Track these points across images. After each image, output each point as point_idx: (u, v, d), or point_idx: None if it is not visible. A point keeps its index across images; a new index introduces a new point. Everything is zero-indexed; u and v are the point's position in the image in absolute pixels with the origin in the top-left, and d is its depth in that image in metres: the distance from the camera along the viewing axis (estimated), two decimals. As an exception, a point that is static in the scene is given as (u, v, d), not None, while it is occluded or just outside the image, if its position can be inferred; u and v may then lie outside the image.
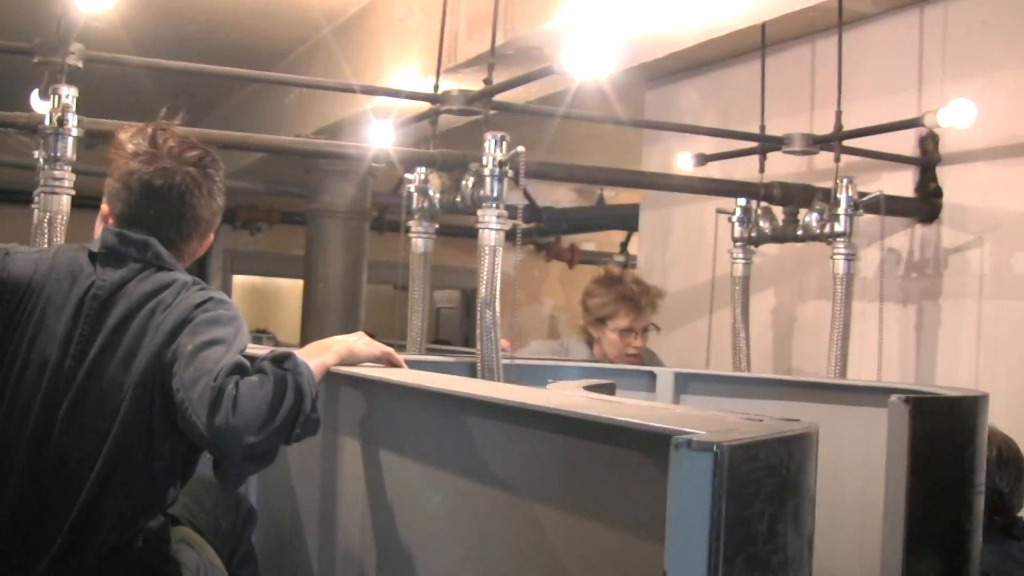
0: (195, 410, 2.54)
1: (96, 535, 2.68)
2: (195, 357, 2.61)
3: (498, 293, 4.06)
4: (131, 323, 2.74)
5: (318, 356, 2.86)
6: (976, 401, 3.25)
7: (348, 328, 7.15)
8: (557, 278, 12.63)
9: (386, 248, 6.80)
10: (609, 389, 3.19)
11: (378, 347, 3.06)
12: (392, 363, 3.08)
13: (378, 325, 8.66)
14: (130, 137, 2.95)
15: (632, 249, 10.58)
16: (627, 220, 9.70)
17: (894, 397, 2.93)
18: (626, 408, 2.09)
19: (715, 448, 1.55)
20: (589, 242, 12.33)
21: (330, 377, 3.12)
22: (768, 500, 1.66)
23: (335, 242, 7.38)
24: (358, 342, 3.02)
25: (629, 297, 5.34)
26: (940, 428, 3.08)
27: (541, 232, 10.95)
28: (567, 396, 2.37)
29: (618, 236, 11.55)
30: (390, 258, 5.22)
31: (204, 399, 2.53)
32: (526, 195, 4.75)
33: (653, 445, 1.70)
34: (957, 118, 4.87)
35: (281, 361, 2.61)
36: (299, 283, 8.05)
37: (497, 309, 4.05)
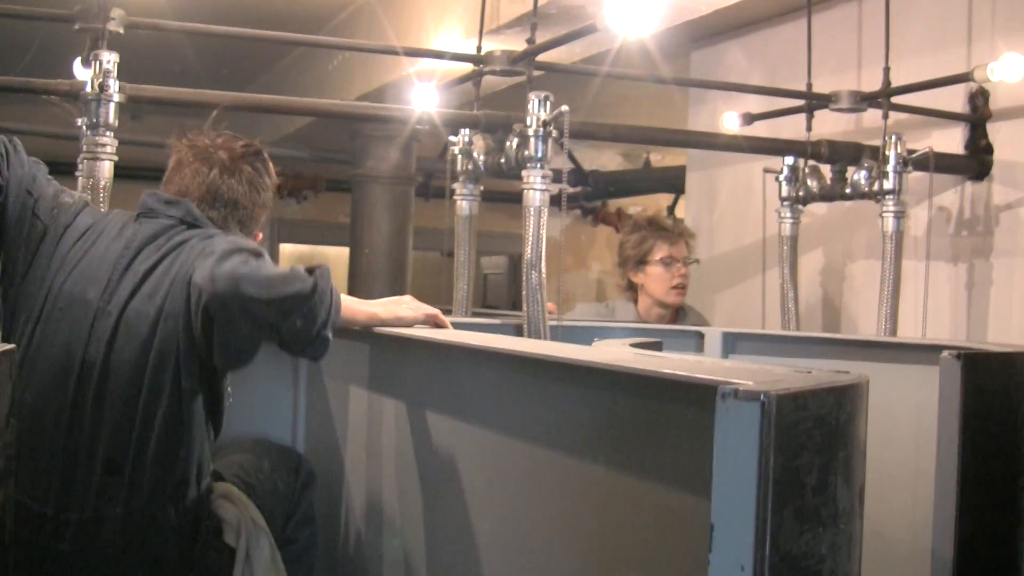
0: (204, 266, 2.72)
1: (135, 481, 2.73)
2: (215, 259, 2.73)
3: (544, 254, 4.03)
4: (159, 265, 2.88)
5: (366, 304, 2.94)
6: (1029, 357, 3.21)
7: (395, 294, 7.19)
8: (604, 242, 12.60)
9: (432, 215, 6.80)
10: (656, 347, 3.17)
11: (424, 309, 3.08)
12: (438, 324, 3.09)
13: (424, 291, 8.62)
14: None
15: (679, 212, 10.54)
16: (674, 183, 9.66)
17: (946, 353, 2.89)
18: (672, 362, 2.06)
19: (763, 397, 1.52)
20: (636, 206, 12.28)
21: (374, 337, 3.11)
22: (817, 451, 1.63)
23: (380, 208, 7.38)
24: (404, 307, 3.05)
25: (662, 227, 5.44)
26: (993, 384, 3.04)
27: (587, 197, 10.91)
28: (613, 352, 2.35)
29: (665, 200, 11.50)
30: (436, 225, 5.21)
31: (215, 258, 2.70)
32: (572, 159, 4.73)
33: (700, 397, 1.67)
34: (1008, 72, 4.80)
35: (312, 268, 2.75)
36: (346, 251, 8.05)
37: (543, 270, 4.02)
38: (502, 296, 13.44)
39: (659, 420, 2.00)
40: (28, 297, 2.91)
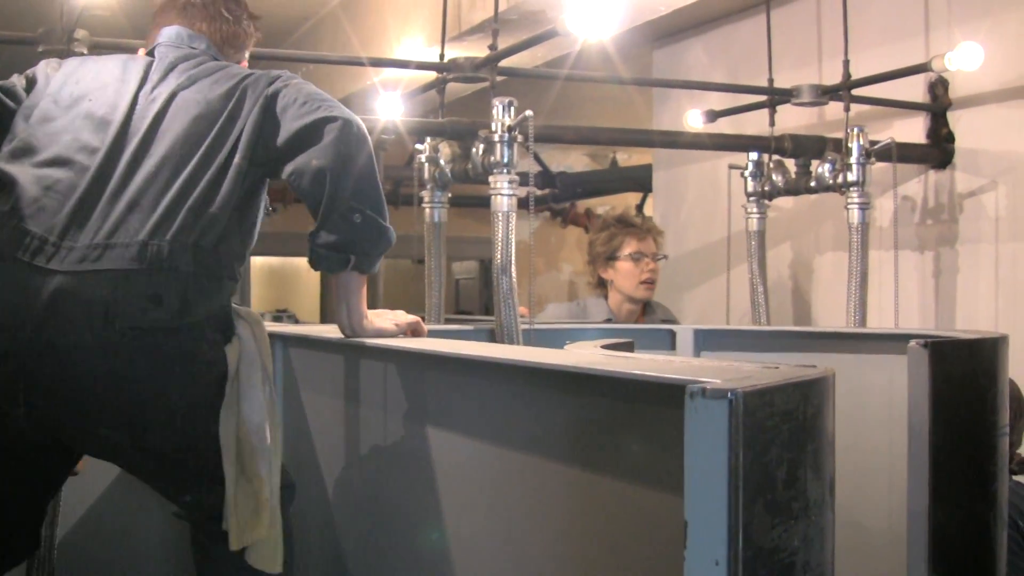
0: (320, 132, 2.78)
1: (160, 222, 2.69)
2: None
3: (513, 259, 4.06)
4: (212, 74, 2.96)
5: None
6: (996, 342, 3.24)
7: (368, 305, 7.18)
8: (575, 243, 12.63)
9: (402, 222, 6.80)
10: (627, 348, 3.19)
11: (403, 319, 3.10)
12: (417, 332, 3.11)
13: (397, 300, 8.63)
14: None
15: (648, 210, 10.58)
16: (641, 182, 9.69)
17: (913, 342, 2.92)
18: (642, 362, 2.09)
19: (730, 395, 1.55)
20: (604, 206, 12.31)
21: (348, 348, 3.13)
22: (786, 445, 1.66)
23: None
24: (387, 320, 3.07)
25: (630, 223, 5.52)
26: (961, 371, 3.08)
27: (556, 199, 10.93)
28: (583, 355, 2.37)
29: (633, 199, 11.53)
30: (406, 231, 5.22)
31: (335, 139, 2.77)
32: (539, 161, 4.76)
33: (670, 396, 1.70)
34: (965, 61, 4.85)
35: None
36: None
37: (513, 275, 4.04)
38: (474, 301, 13.47)
39: (631, 420, 2.02)
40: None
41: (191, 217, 2.69)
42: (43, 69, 3.00)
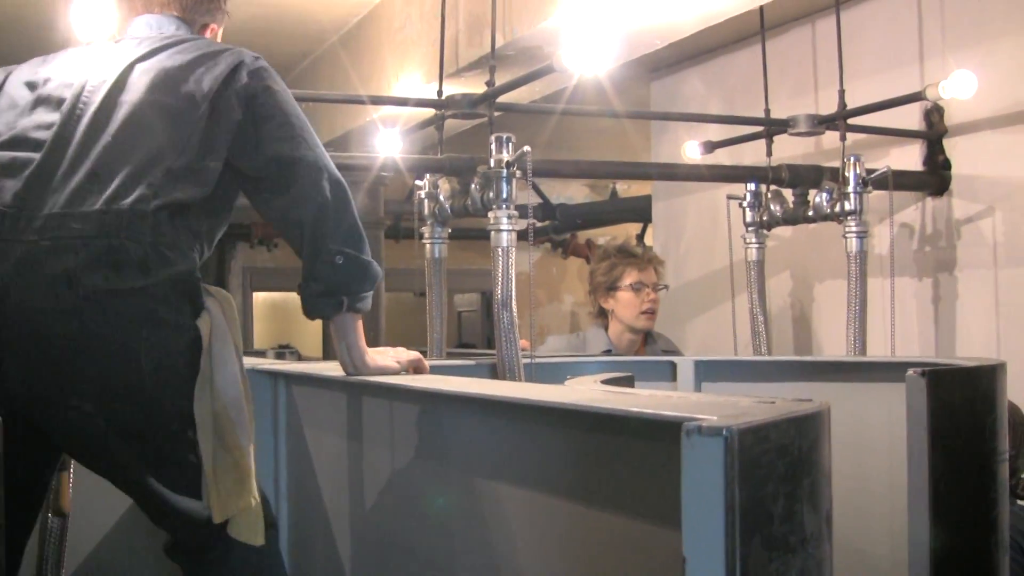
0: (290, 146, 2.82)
1: (121, 187, 2.69)
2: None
3: (514, 294, 4.08)
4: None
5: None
6: (994, 369, 3.26)
7: (369, 340, 7.20)
8: (576, 274, 12.65)
9: (403, 255, 6.83)
10: (627, 381, 3.22)
11: (405, 356, 3.13)
12: (418, 369, 3.14)
13: (399, 334, 8.67)
14: None
15: (648, 240, 10.61)
16: (641, 212, 9.72)
17: (911, 371, 2.94)
18: (640, 399, 2.11)
19: (725, 432, 1.57)
20: (605, 236, 12.34)
21: (351, 387, 3.15)
22: (782, 480, 1.68)
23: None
24: (389, 358, 3.09)
25: (631, 253, 5.53)
26: (959, 399, 3.10)
27: (556, 230, 10.97)
28: (582, 391, 2.40)
29: (634, 228, 11.56)
30: (407, 265, 5.25)
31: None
32: (539, 193, 4.79)
33: (667, 432, 1.72)
34: (959, 89, 4.89)
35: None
36: (282, 295, 8.05)
37: (514, 310, 4.06)
38: (477, 333, 13.47)
39: (631, 455, 2.04)
40: None
41: (149, 186, 2.69)
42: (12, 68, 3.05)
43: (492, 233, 4.12)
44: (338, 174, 2.84)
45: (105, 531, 3.68)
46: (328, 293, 2.82)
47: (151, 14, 3.11)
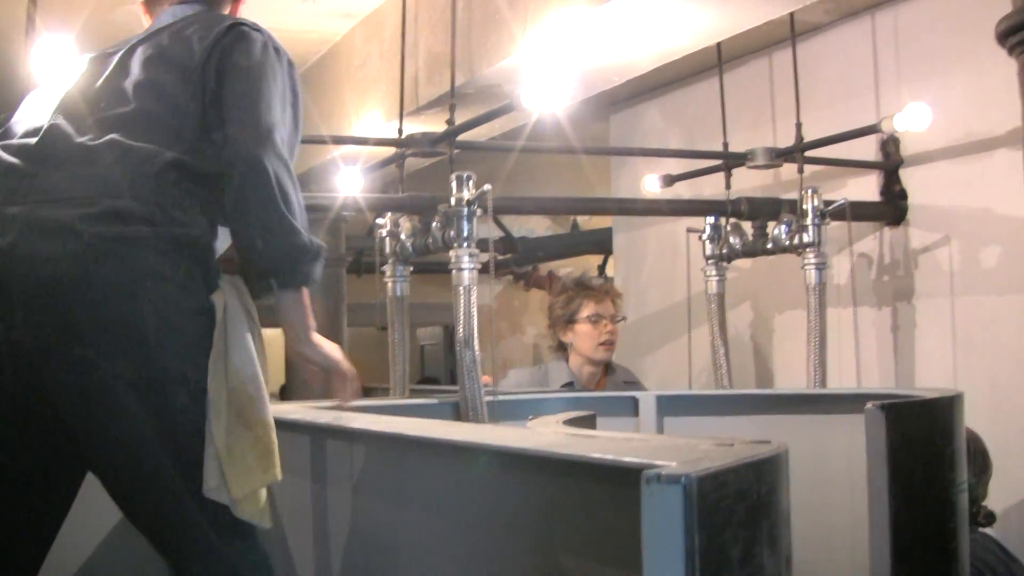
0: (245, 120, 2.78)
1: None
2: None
3: (476, 332, 4.09)
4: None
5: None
6: (951, 401, 3.30)
7: (331, 378, 7.18)
8: (538, 306, 12.63)
9: (365, 290, 6.83)
10: (589, 421, 3.23)
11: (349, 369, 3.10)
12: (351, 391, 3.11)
13: (362, 368, 8.64)
14: None
15: (609, 271, 10.63)
16: (602, 244, 9.74)
17: (869, 405, 2.97)
18: (600, 443, 2.13)
19: (683, 480, 1.59)
20: (566, 268, 12.34)
21: (315, 429, 3.16)
22: (741, 525, 1.70)
23: (313, 291, 7.41)
24: (337, 351, 3.05)
25: (588, 286, 5.60)
26: (917, 431, 3.12)
27: (518, 262, 10.96)
28: (543, 435, 2.41)
29: (595, 259, 11.59)
30: (369, 300, 5.26)
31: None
32: (501, 226, 4.81)
33: (628, 477, 1.74)
34: (913, 122, 4.95)
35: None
36: (280, 331, 8.02)
37: (476, 348, 4.08)
38: (440, 366, 13.46)
39: (592, 500, 2.06)
40: None
41: (152, 153, 2.73)
42: None
43: (453, 272, 4.13)
44: (279, 152, 2.76)
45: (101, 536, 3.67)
46: (260, 276, 2.80)
47: (175, 5, 3.12)
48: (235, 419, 2.72)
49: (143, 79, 2.86)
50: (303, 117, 3.02)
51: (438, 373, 13.10)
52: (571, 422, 2.92)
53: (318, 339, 2.96)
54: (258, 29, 2.95)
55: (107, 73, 2.91)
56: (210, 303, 2.73)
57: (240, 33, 2.92)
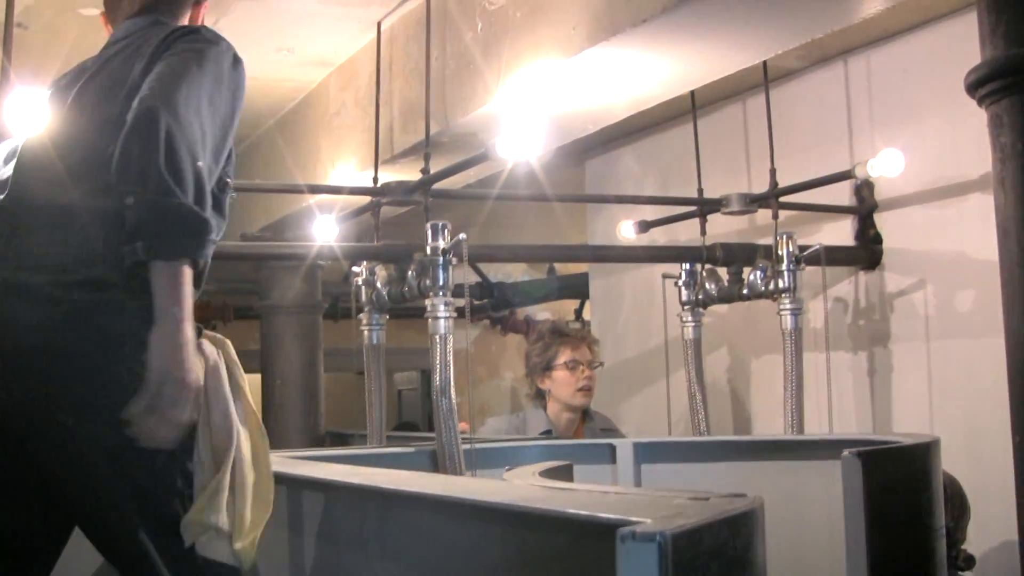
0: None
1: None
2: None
3: (452, 381, 4.09)
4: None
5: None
6: (927, 447, 3.31)
7: (309, 424, 7.19)
8: (515, 350, 12.64)
9: (342, 335, 6.84)
10: (566, 471, 3.23)
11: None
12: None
13: (340, 413, 8.66)
14: None
15: (586, 314, 10.63)
16: (579, 289, 9.76)
17: (846, 452, 2.98)
18: (577, 497, 2.13)
19: (659, 538, 1.59)
20: (544, 312, 12.35)
21: (291, 481, 3.15)
22: (717, 581, 1.71)
23: (289, 339, 7.40)
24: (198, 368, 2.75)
25: (564, 333, 5.60)
26: (894, 478, 3.14)
27: (494, 307, 10.97)
28: (522, 489, 2.41)
29: (572, 303, 11.59)
30: (346, 344, 5.26)
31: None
32: (477, 271, 4.82)
33: (605, 531, 1.74)
34: (887, 167, 4.97)
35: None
36: (258, 377, 8.02)
37: (453, 396, 4.08)
38: (417, 411, 13.44)
39: (569, 554, 2.06)
40: None
41: (118, 214, 2.58)
42: None
43: (430, 320, 4.13)
44: (180, 116, 2.56)
45: None
46: (128, 239, 2.53)
47: (130, 19, 3.03)
48: (222, 475, 2.71)
49: (98, 120, 2.77)
50: (235, 124, 2.84)
51: (416, 418, 13.08)
52: (548, 473, 2.92)
53: (187, 340, 2.56)
54: (209, 32, 2.87)
55: (65, 113, 2.84)
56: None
57: (183, 31, 2.85)
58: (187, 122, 2.56)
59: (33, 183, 2.77)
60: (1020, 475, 2.75)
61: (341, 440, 7.02)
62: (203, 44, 2.78)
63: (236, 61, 2.83)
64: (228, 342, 2.85)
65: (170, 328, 2.51)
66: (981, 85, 2.54)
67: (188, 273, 2.52)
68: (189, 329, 2.53)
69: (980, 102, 2.58)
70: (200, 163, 2.56)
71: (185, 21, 3.07)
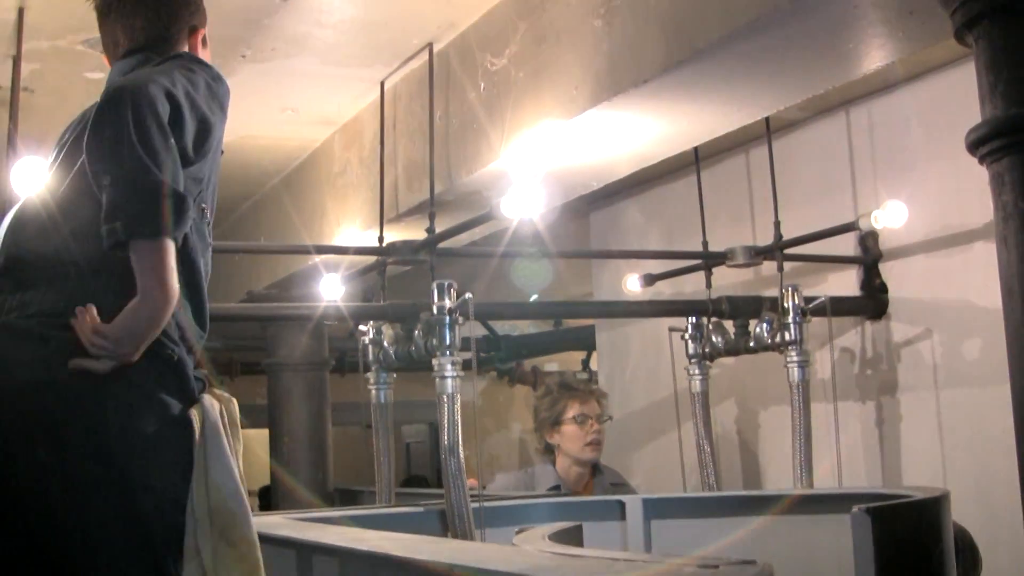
0: None
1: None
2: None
3: (460, 440, 4.10)
4: None
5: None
6: (938, 501, 3.31)
7: (318, 480, 7.18)
8: (523, 402, 12.63)
9: (349, 389, 6.84)
10: (575, 533, 3.23)
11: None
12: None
13: (347, 465, 8.64)
14: None
15: (593, 364, 10.62)
16: (585, 341, 9.77)
17: (855, 508, 2.97)
18: (588, 565, 2.13)
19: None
20: (551, 362, 12.35)
21: (301, 547, 3.15)
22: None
23: (296, 395, 7.40)
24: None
25: (572, 387, 5.59)
26: (905, 533, 3.13)
27: (501, 359, 10.98)
28: (530, 556, 2.41)
29: (580, 353, 11.60)
30: (354, 399, 5.27)
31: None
32: (485, 325, 4.82)
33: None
34: (891, 219, 4.98)
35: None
36: (266, 432, 8.00)
37: (461, 456, 4.08)
38: (426, 463, 13.40)
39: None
40: None
41: (112, 275, 2.62)
42: None
43: (437, 380, 4.14)
44: (149, 95, 2.53)
45: None
46: (106, 220, 2.52)
47: (120, 60, 3.02)
48: (218, 537, 2.69)
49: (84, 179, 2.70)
50: (213, 134, 2.78)
51: (424, 470, 13.05)
52: (557, 536, 2.92)
53: (163, 320, 2.56)
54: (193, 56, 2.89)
55: (56, 170, 2.83)
56: (185, 416, 2.67)
57: (170, 56, 2.85)
58: (158, 99, 2.54)
59: (31, 239, 2.77)
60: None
61: (350, 497, 7.00)
62: (185, 59, 2.81)
63: (217, 77, 2.82)
64: (234, 401, 2.85)
65: (150, 308, 2.51)
66: (982, 144, 2.55)
67: (171, 250, 2.52)
68: (169, 312, 2.54)
69: (981, 160, 2.59)
70: (171, 140, 2.54)
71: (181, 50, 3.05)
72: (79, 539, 2.61)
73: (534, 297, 8.69)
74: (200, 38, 3.10)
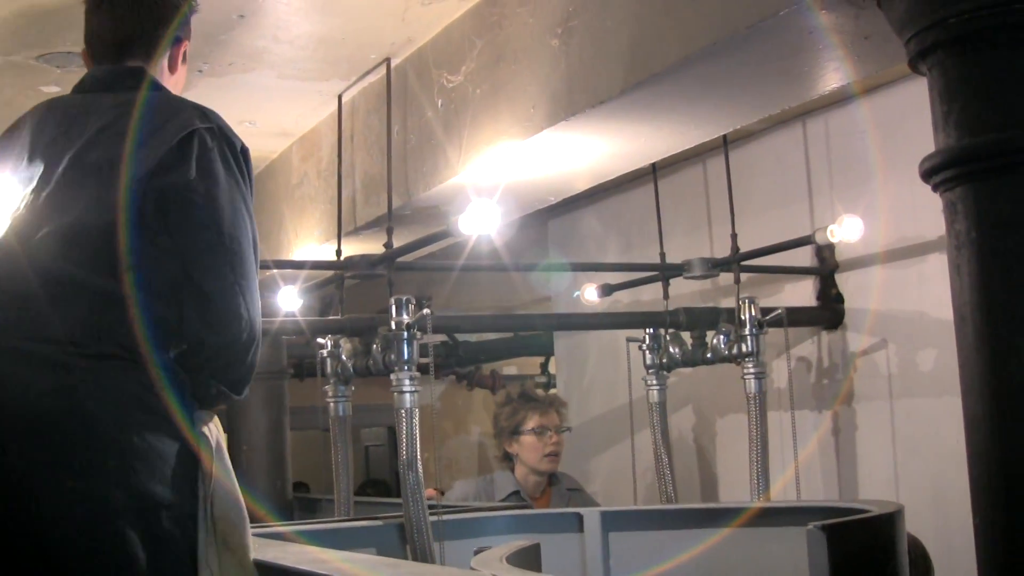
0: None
1: None
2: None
3: (419, 454, 4.11)
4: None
5: None
6: (891, 517, 3.34)
7: (276, 489, 7.16)
8: (482, 405, 12.63)
9: (307, 394, 6.84)
10: (534, 552, 3.25)
11: None
12: None
13: (306, 471, 8.63)
14: None
15: (552, 368, 10.64)
16: (544, 346, 9.79)
17: (811, 525, 2.99)
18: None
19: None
20: (510, 366, 12.36)
21: (260, 568, 3.16)
22: None
23: (255, 404, 7.37)
24: None
25: (532, 398, 5.69)
26: (859, 549, 3.16)
27: (460, 363, 10.98)
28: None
29: (538, 356, 11.62)
30: (312, 403, 5.28)
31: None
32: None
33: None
34: (847, 233, 5.01)
35: None
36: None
37: (420, 470, 4.09)
38: (384, 467, 13.36)
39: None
40: None
41: (118, 300, 2.74)
42: None
43: (395, 395, 4.15)
44: (239, 254, 2.85)
45: None
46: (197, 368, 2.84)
47: (108, 63, 3.07)
48: (222, 546, 2.78)
49: (92, 198, 2.80)
50: None
51: (382, 474, 13.01)
52: (515, 557, 2.94)
53: None
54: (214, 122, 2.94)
55: (57, 186, 2.85)
56: (196, 433, 2.79)
57: (192, 134, 2.86)
58: (248, 261, 2.83)
59: (30, 253, 2.80)
60: (982, 554, 2.77)
61: (309, 506, 7.00)
62: (220, 145, 2.91)
63: (244, 151, 3.00)
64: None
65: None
66: (935, 172, 2.58)
67: None
68: None
69: (935, 188, 2.61)
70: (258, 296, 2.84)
71: (164, 63, 3.12)
72: (111, 565, 2.69)
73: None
74: (182, 51, 3.18)
